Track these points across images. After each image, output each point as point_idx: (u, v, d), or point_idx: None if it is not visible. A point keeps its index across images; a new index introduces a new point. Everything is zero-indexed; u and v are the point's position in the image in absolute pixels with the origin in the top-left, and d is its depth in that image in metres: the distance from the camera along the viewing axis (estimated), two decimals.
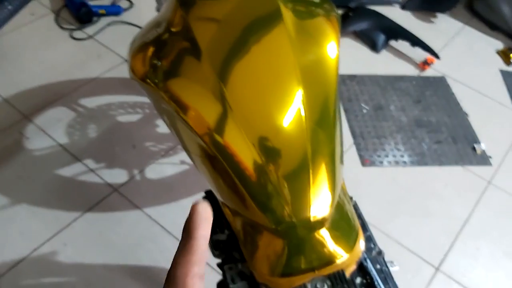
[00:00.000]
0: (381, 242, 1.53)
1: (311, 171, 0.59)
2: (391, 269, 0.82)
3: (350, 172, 1.62)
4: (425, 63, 2.08)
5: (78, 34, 1.99)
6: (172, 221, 1.42)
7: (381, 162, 1.68)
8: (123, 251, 1.35)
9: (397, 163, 1.69)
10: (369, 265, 0.65)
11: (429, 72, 2.07)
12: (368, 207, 1.55)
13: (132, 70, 0.70)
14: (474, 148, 1.77)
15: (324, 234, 0.60)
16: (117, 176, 1.52)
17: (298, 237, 0.59)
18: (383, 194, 1.59)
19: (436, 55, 2.06)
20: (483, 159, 1.74)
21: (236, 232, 0.67)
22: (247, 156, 0.59)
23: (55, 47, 1.93)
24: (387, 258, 0.76)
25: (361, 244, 0.64)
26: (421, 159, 1.71)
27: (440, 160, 1.72)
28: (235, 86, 0.61)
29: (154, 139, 1.63)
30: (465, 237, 1.51)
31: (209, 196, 0.85)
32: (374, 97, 1.92)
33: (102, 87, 1.80)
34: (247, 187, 0.59)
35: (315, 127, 0.61)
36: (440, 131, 1.82)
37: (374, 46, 2.13)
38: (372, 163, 1.67)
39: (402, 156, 1.71)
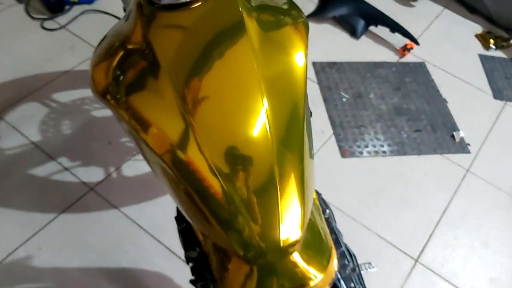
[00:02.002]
0: (361, 235, 1.54)
1: (278, 188, 0.57)
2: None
3: (330, 163, 1.61)
4: (405, 49, 2.06)
5: (49, 24, 1.92)
6: (150, 220, 1.41)
7: (361, 153, 1.68)
8: (100, 252, 1.33)
9: (376, 153, 1.68)
10: (343, 285, 0.65)
11: (409, 58, 2.06)
12: (347, 199, 1.57)
13: (93, 81, 0.67)
14: (453, 136, 1.77)
15: (295, 257, 0.59)
16: (93, 174, 1.49)
17: (268, 262, 0.57)
18: (362, 186, 1.59)
19: (416, 41, 2.04)
20: (462, 147, 1.75)
21: (206, 253, 0.65)
22: (209, 174, 0.57)
23: (25, 38, 1.86)
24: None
25: (334, 264, 0.63)
26: (400, 149, 1.71)
27: (419, 149, 1.72)
28: (196, 101, 0.58)
29: None
30: (443, 227, 1.53)
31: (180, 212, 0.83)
32: (353, 85, 1.90)
33: (75, 80, 1.75)
34: (211, 208, 0.57)
35: (282, 139, 0.59)
36: (419, 119, 1.82)
37: (353, 32, 2.10)
38: (352, 154, 1.67)
39: (382, 145, 1.70)
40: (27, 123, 1.58)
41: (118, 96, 0.61)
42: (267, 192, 0.57)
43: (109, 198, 1.44)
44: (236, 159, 0.57)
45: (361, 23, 2.09)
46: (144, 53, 0.61)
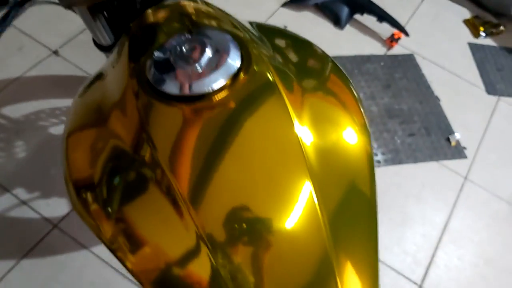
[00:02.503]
0: None
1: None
2: None
3: None
4: (392, 40, 1.90)
5: None
6: None
7: None
8: None
9: None
10: None
11: (397, 49, 1.91)
12: None
13: (67, 160, 0.50)
14: (448, 139, 1.66)
15: None
16: (56, 207, 1.29)
17: None
18: None
19: (406, 33, 1.89)
20: (458, 152, 1.64)
21: None
22: None
23: None
24: None
25: None
26: (395, 157, 1.58)
27: (414, 156, 1.60)
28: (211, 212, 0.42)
29: None
30: (446, 245, 1.43)
31: None
32: None
33: (27, 89, 1.51)
34: None
35: (339, 226, 0.44)
36: (412, 121, 1.69)
37: (337, 21, 1.92)
38: None
39: (376, 154, 1.57)
40: None
41: (105, 201, 0.45)
42: None
43: (76, 236, 1.25)
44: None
45: (345, 11, 1.91)
46: (144, 160, 0.44)
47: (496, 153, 1.66)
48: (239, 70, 0.47)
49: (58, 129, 1.43)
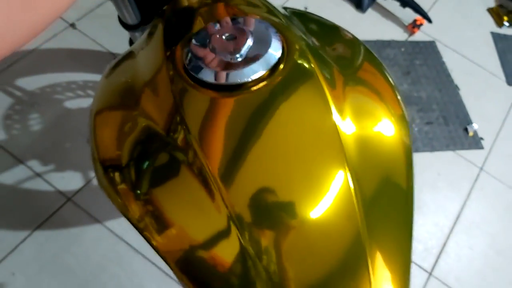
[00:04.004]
0: None
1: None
2: None
3: None
4: (414, 26, 1.86)
5: None
6: (139, 237, 1.23)
7: None
8: (83, 277, 1.16)
9: None
10: None
11: (419, 35, 1.87)
12: None
13: (95, 140, 0.49)
14: (466, 129, 1.63)
15: None
16: (70, 180, 1.29)
17: None
18: None
19: (429, 19, 1.85)
20: (475, 142, 1.62)
21: None
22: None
23: None
24: None
25: None
26: (412, 144, 1.56)
27: (431, 144, 1.58)
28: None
29: None
30: (457, 235, 1.42)
31: None
32: None
33: (43, 61, 1.50)
34: None
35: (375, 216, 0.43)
36: (431, 109, 1.66)
37: (359, 5, 1.86)
38: None
39: None
40: None
41: (133, 180, 0.44)
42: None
43: (90, 210, 1.25)
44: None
45: None
46: (180, 144, 0.44)
47: None
48: (279, 60, 0.45)
49: (73, 103, 1.43)
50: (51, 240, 1.20)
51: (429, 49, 1.84)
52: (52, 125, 1.37)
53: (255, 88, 0.43)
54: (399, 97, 0.51)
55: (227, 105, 0.43)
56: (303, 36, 0.51)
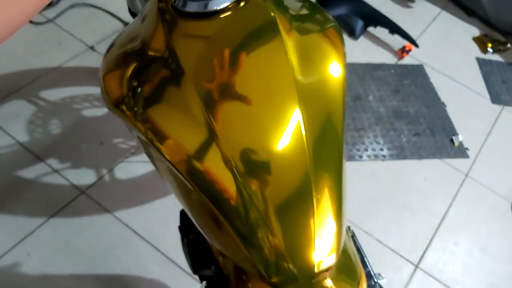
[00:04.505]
0: (363, 241, 1.50)
1: (314, 203, 0.51)
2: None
3: None
4: (403, 51, 2.03)
5: (36, 17, 1.84)
6: (144, 225, 1.35)
7: (361, 156, 1.64)
8: (92, 259, 1.27)
9: (376, 157, 1.65)
10: None
11: (407, 60, 2.03)
12: (348, 204, 1.52)
13: (105, 91, 0.61)
14: (452, 140, 1.75)
15: (327, 283, 0.54)
16: (84, 176, 1.42)
17: None
18: (362, 191, 1.55)
19: (415, 44, 2.01)
20: (461, 151, 1.73)
21: (226, 273, 0.60)
22: (231, 184, 0.51)
23: None
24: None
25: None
26: (400, 153, 1.68)
27: (419, 153, 1.69)
28: (222, 109, 0.53)
29: (123, 135, 1.53)
30: (443, 232, 1.50)
31: (185, 219, 0.77)
32: (352, 87, 1.87)
33: (64, 77, 1.67)
34: (235, 225, 0.52)
35: (319, 151, 0.53)
36: (418, 122, 1.79)
37: (352, 33, 2.06)
38: (352, 158, 1.63)
39: (381, 149, 1.67)
40: (13, 122, 1.51)
41: (136, 108, 0.56)
42: (301, 206, 0.51)
43: (101, 202, 1.37)
44: (265, 168, 0.51)
45: (359, 24, 2.05)
46: (166, 62, 0.56)
47: (497, 155, 1.74)
48: None
49: (89, 112, 1.58)
50: (65, 226, 1.31)
51: (417, 71, 1.99)
52: (69, 129, 1.52)
53: (222, 15, 0.57)
54: (344, 50, 0.64)
55: (203, 28, 0.57)
56: None
